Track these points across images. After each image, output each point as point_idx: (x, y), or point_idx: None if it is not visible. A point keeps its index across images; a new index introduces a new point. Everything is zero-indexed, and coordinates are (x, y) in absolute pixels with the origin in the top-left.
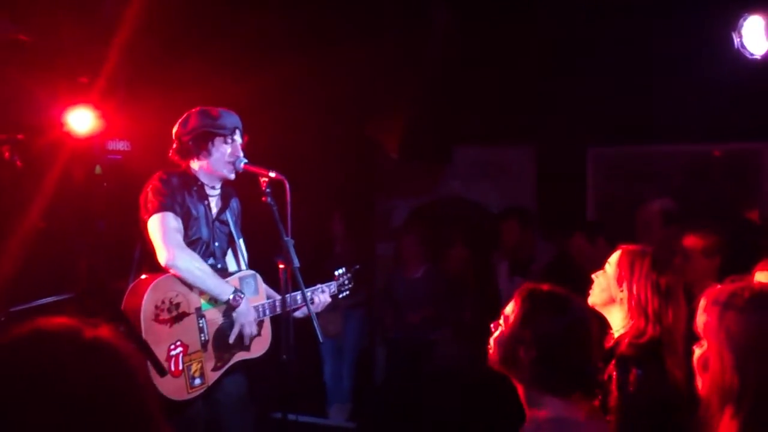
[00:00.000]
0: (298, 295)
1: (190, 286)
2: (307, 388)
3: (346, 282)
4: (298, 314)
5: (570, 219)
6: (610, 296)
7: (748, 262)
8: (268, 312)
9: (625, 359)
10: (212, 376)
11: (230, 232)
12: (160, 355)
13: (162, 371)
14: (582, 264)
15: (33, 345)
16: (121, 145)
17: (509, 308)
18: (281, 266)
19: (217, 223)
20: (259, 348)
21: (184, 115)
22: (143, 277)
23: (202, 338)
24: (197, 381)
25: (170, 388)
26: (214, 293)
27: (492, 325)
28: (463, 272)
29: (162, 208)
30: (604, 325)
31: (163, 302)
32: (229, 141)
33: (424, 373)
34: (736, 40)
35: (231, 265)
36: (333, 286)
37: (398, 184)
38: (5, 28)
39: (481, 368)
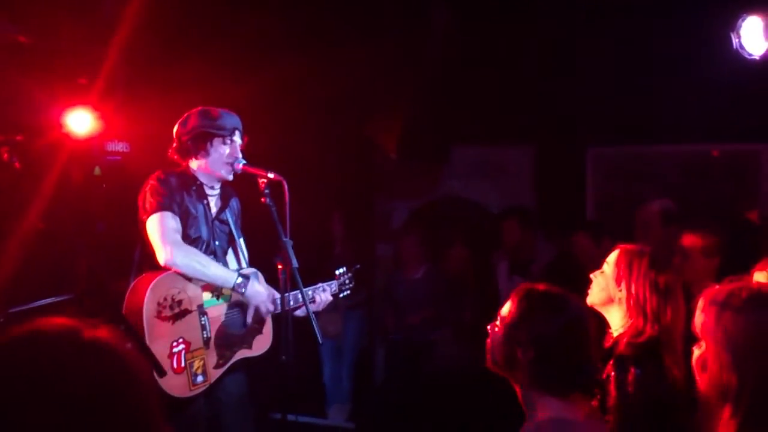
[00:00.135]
0: (299, 295)
1: (192, 282)
2: (306, 388)
3: (347, 281)
4: (298, 313)
5: (569, 219)
6: (609, 296)
7: (747, 262)
8: (271, 307)
9: (624, 359)
10: (214, 374)
11: (230, 232)
12: (163, 352)
13: (161, 372)
14: (585, 263)
15: (32, 345)
16: (120, 147)
17: (506, 309)
18: (280, 267)
19: (216, 223)
20: (261, 346)
21: (185, 115)
22: (144, 274)
23: (204, 335)
24: (199, 378)
25: (173, 385)
26: (218, 282)
27: (489, 327)
28: (463, 272)
29: (160, 207)
30: (602, 324)
31: (165, 299)
32: (228, 142)
33: (424, 373)
34: (735, 41)
35: (232, 263)
36: (334, 285)
37: (397, 184)
38: (4, 29)
39: (481, 368)
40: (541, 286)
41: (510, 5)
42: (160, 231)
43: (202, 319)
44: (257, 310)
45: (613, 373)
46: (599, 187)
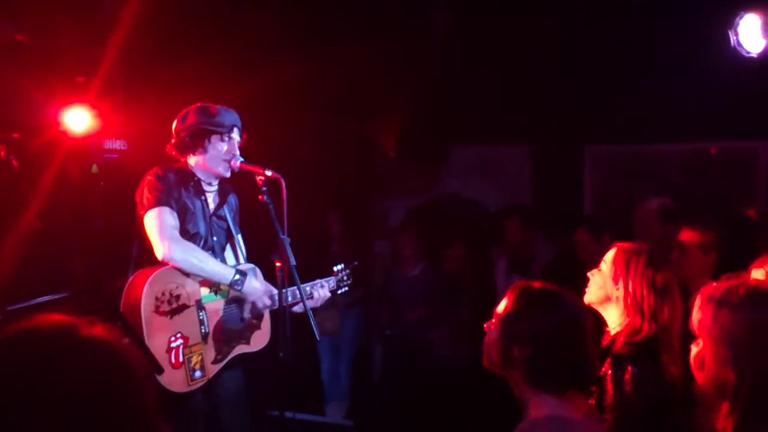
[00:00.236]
0: (297, 292)
1: (190, 277)
2: (304, 385)
3: (345, 278)
4: (296, 309)
5: (568, 217)
6: (606, 294)
7: (745, 258)
8: (269, 304)
9: (621, 357)
10: (212, 369)
11: (228, 228)
12: (161, 347)
13: (158, 369)
14: (584, 259)
15: (28, 343)
16: (117, 145)
17: (501, 306)
18: (278, 264)
19: (214, 219)
20: (259, 342)
21: (183, 111)
22: (142, 270)
23: (203, 330)
24: (197, 373)
25: (171, 380)
26: (216, 279)
27: (485, 325)
28: (460, 271)
29: (158, 203)
30: (599, 322)
31: (162, 294)
32: (226, 139)
33: (422, 370)
34: (733, 39)
35: (230, 259)
36: (332, 281)
37: (396, 183)
38: (2, 28)
39: (479, 366)
40: (537, 284)
41: (509, 5)
42: (158, 226)
43: (200, 314)
44: (254, 305)
45: (610, 372)
46: (597, 185)
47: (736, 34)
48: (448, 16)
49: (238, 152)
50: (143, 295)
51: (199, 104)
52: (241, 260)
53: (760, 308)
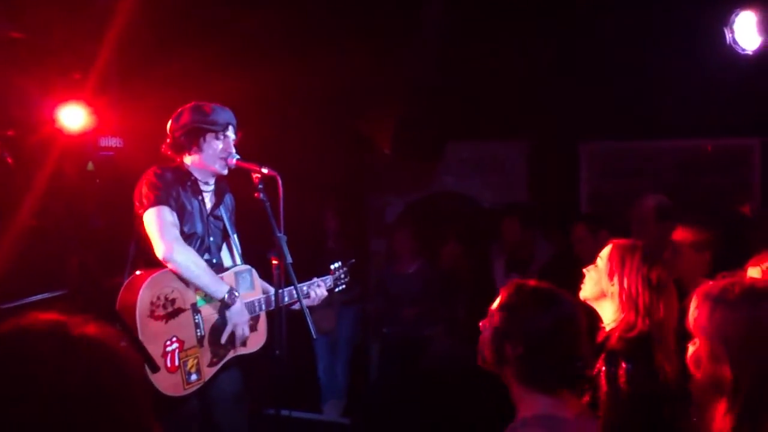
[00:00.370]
0: (293, 291)
1: (186, 282)
2: (301, 384)
3: (342, 276)
4: (294, 306)
5: (564, 214)
6: (602, 290)
7: (739, 256)
8: (264, 307)
9: (615, 353)
10: (208, 372)
11: (224, 228)
12: (156, 350)
13: (154, 368)
14: (581, 255)
15: (18, 342)
16: (113, 142)
17: (495, 304)
18: (274, 262)
19: (211, 219)
20: (255, 343)
21: (178, 111)
22: (138, 273)
23: (198, 334)
24: (193, 377)
25: (167, 384)
26: (209, 291)
27: (480, 324)
28: (456, 268)
29: (158, 202)
30: (593, 319)
31: (158, 298)
32: (221, 137)
33: (419, 369)
34: (729, 36)
35: (226, 260)
36: (329, 280)
37: (391, 180)
38: None
39: (475, 364)
40: (531, 282)
41: (503, 1)
42: (158, 225)
43: (196, 317)
44: (233, 332)
45: (603, 368)
46: (593, 182)
47: (732, 32)
48: (441, 12)
49: (234, 150)
50: (139, 299)
51: (193, 103)
52: (237, 260)
53: (757, 306)
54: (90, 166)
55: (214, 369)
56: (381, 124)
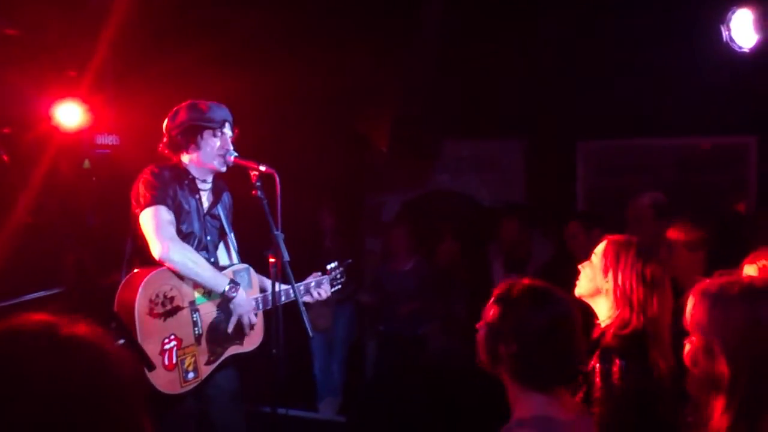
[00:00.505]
0: (291, 290)
1: (184, 280)
2: (297, 382)
3: (339, 276)
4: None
5: (561, 212)
6: (597, 287)
7: (733, 254)
8: (261, 306)
9: (609, 350)
10: (205, 370)
11: (221, 226)
12: (154, 348)
13: (150, 366)
14: (574, 252)
15: (8, 342)
16: (109, 140)
17: (490, 303)
18: (271, 260)
19: (208, 218)
20: (252, 342)
21: (174, 109)
22: (136, 271)
23: (196, 332)
24: (190, 375)
25: (164, 381)
26: (209, 285)
27: (477, 325)
28: (453, 266)
29: (155, 201)
30: (589, 316)
31: (156, 296)
32: (219, 134)
33: (415, 366)
34: (725, 34)
35: (223, 258)
36: (325, 280)
37: (388, 178)
38: None
39: (471, 362)
40: (525, 280)
41: (500, 0)
42: (155, 224)
43: (194, 315)
44: (239, 320)
45: (598, 365)
46: (590, 180)
47: (729, 30)
48: (440, 11)
49: (231, 147)
50: (137, 297)
51: (189, 101)
52: (234, 259)
53: (755, 304)
54: (86, 163)
55: (211, 367)
56: (378, 122)
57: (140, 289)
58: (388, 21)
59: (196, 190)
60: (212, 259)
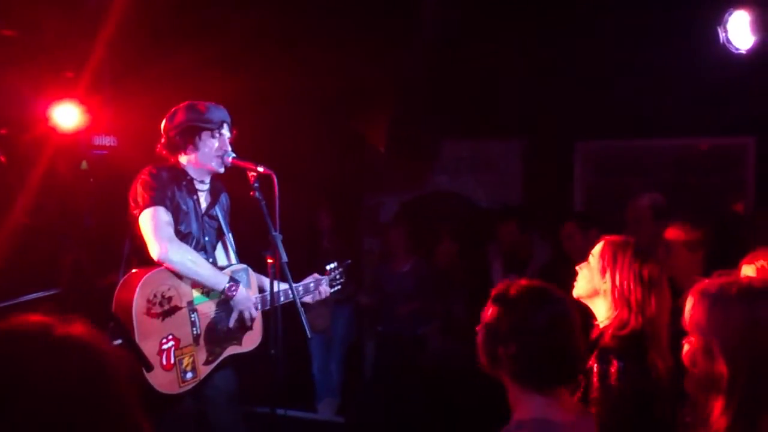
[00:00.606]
0: (289, 290)
1: (183, 280)
2: (295, 382)
3: (338, 276)
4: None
5: (559, 214)
6: (594, 288)
7: (732, 254)
8: (259, 306)
9: (606, 351)
10: (204, 370)
11: (219, 227)
12: (152, 348)
13: (148, 366)
14: (570, 252)
15: (3, 343)
16: (107, 141)
17: (488, 305)
18: (269, 261)
19: (206, 218)
20: (251, 342)
21: (172, 110)
22: (134, 271)
23: (194, 332)
24: (189, 375)
25: (162, 381)
26: (209, 284)
27: (477, 328)
28: (451, 267)
29: (153, 202)
30: (587, 317)
31: (154, 296)
32: (217, 135)
33: (413, 367)
34: (722, 35)
35: (221, 259)
36: (324, 281)
37: (386, 179)
38: None
39: (470, 363)
40: (523, 281)
41: (498, 0)
42: (154, 225)
43: (192, 315)
44: (241, 314)
45: (596, 365)
46: (588, 181)
47: (726, 31)
48: (436, 11)
49: (230, 148)
50: (135, 297)
51: (186, 102)
52: (233, 260)
53: (753, 304)
54: (84, 164)
55: (210, 367)
56: (376, 123)
57: (138, 289)
58: (385, 21)
59: (194, 191)
60: (210, 260)
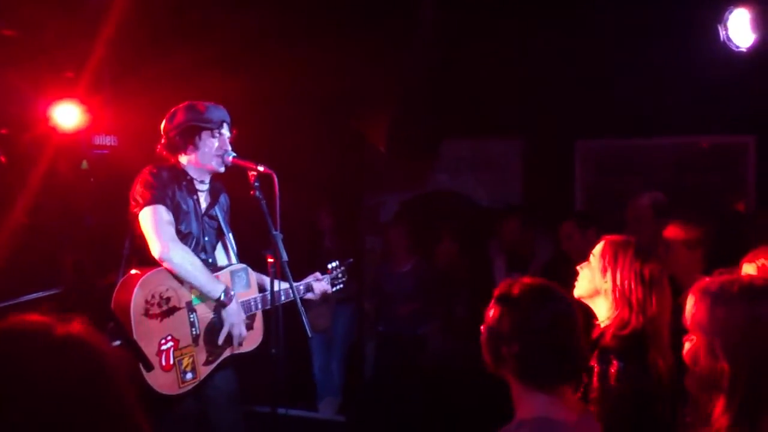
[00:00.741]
0: (289, 290)
1: (181, 281)
2: (296, 381)
3: (339, 275)
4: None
5: (559, 212)
6: (595, 287)
7: (731, 253)
8: (260, 306)
9: (607, 351)
10: (204, 371)
11: (219, 227)
12: (151, 349)
13: (148, 367)
14: (568, 251)
15: (3, 343)
16: (107, 140)
17: (490, 305)
18: (270, 260)
19: (206, 218)
20: (252, 342)
21: (171, 110)
22: (133, 272)
23: (193, 332)
24: (189, 375)
25: (161, 382)
26: (204, 290)
27: (481, 327)
28: (451, 266)
29: (154, 200)
30: (588, 317)
31: (153, 297)
32: (217, 135)
33: (414, 367)
34: (722, 33)
35: (221, 259)
36: (326, 279)
37: (386, 178)
38: None
39: (471, 362)
40: (526, 279)
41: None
42: (155, 224)
43: (191, 316)
44: (230, 332)
45: (596, 366)
46: (588, 179)
47: (726, 29)
48: (435, 10)
49: (230, 147)
50: (133, 297)
51: (186, 102)
52: (233, 260)
53: (755, 303)
54: (84, 164)
55: (210, 368)
56: (376, 122)
57: (136, 290)
58: (386, 21)
59: (194, 191)
60: (210, 260)
